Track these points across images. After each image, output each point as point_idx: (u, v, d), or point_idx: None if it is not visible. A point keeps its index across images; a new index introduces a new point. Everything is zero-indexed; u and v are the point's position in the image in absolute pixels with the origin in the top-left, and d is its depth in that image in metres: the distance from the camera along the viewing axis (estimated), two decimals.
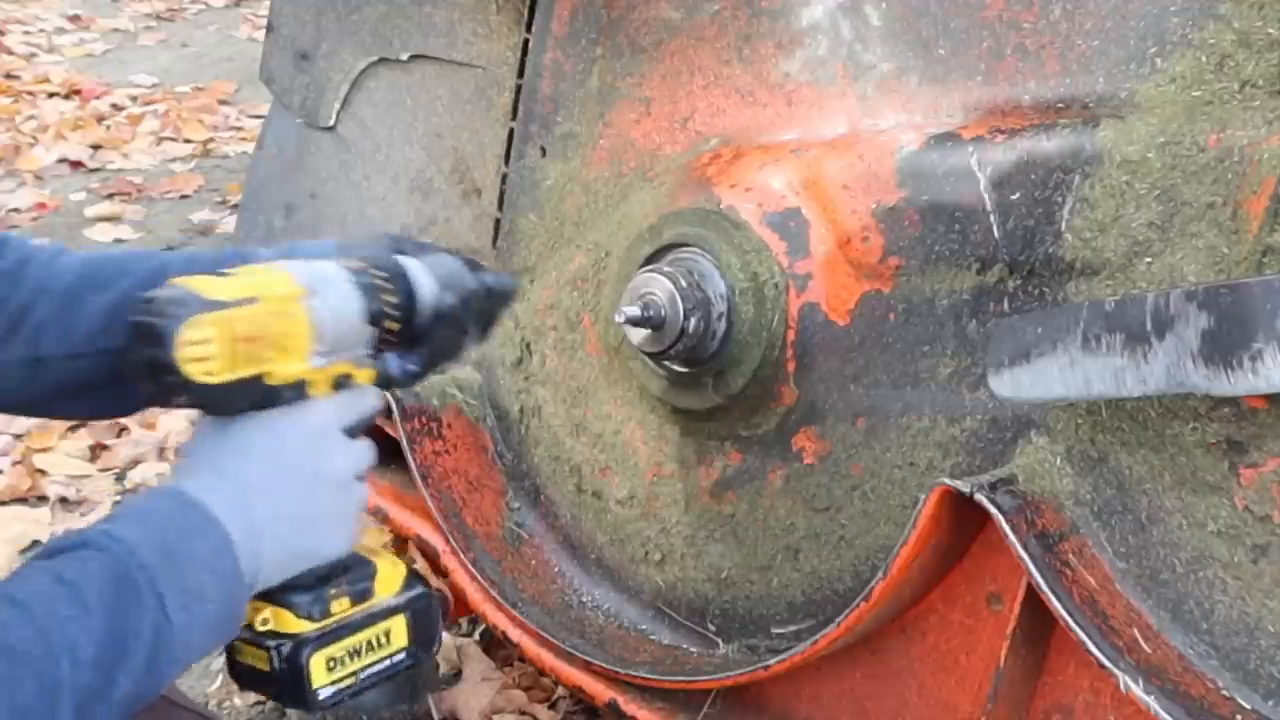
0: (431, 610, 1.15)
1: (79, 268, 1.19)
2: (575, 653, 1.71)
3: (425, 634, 1.14)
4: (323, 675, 1.06)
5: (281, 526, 1.03)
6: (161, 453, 2.73)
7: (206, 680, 2.11)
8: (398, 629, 1.12)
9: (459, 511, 1.85)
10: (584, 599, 1.84)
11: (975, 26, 1.47)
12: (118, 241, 3.72)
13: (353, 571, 1.10)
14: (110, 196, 4.02)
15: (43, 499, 2.57)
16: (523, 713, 1.96)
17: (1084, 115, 1.38)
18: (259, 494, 1.02)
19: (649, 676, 1.64)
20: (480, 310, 1.21)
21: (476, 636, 2.11)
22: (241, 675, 1.08)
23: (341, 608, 1.08)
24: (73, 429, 2.76)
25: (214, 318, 0.98)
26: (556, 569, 1.87)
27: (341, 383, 1.10)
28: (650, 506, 1.75)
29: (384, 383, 1.16)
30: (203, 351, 0.97)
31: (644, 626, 1.78)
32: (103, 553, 0.92)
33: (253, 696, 2.02)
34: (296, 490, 1.05)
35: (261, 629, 1.05)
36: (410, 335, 1.15)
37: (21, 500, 2.58)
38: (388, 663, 1.12)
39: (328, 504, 1.08)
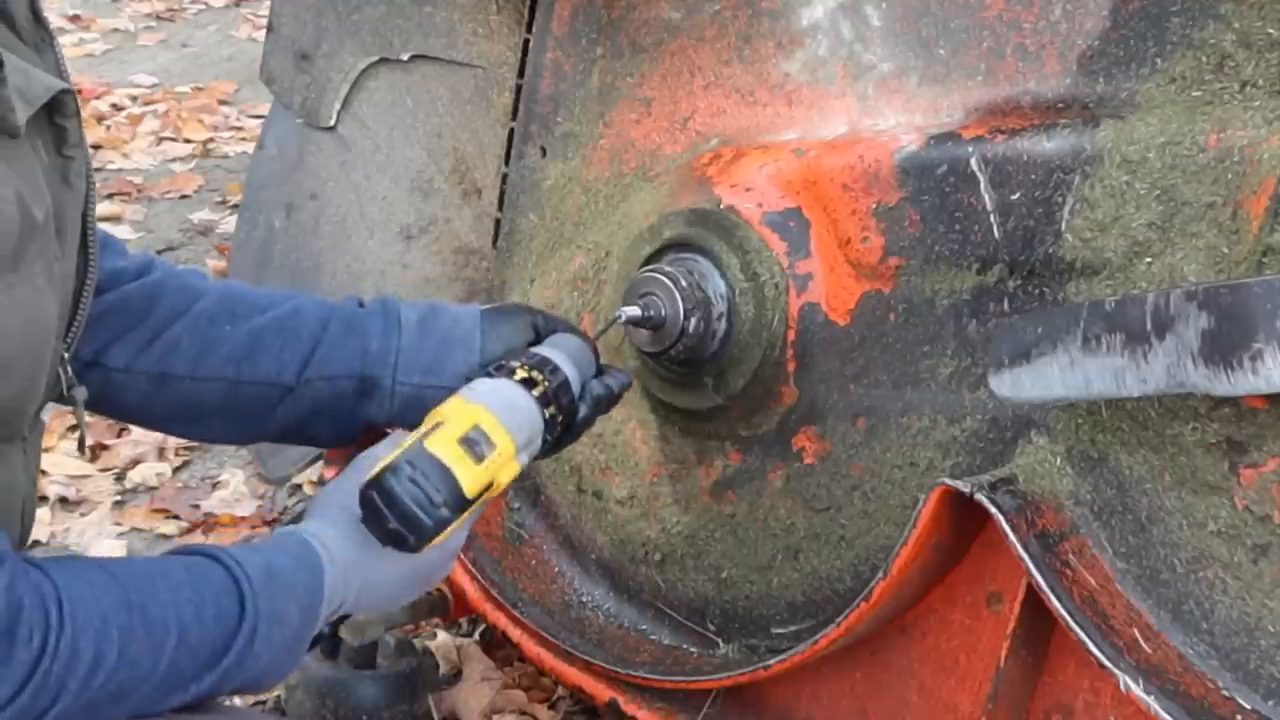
0: None
1: (217, 297, 1.28)
2: (575, 653, 1.71)
3: None
4: None
5: (375, 590, 1.16)
6: (161, 453, 2.71)
7: None
8: None
9: None
10: (584, 599, 1.84)
11: (975, 26, 1.47)
12: None
13: None
14: (110, 196, 4.00)
15: (43, 499, 2.55)
16: (523, 713, 1.95)
17: (1084, 115, 1.38)
18: (375, 562, 1.14)
19: (649, 676, 1.64)
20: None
21: (476, 636, 2.10)
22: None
23: None
24: (72, 429, 2.75)
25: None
26: (556, 569, 1.87)
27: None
28: (650, 506, 1.75)
29: None
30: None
31: (644, 626, 1.78)
32: (218, 561, 1.04)
33: (251, 697, 2.02)
34: (403, 573, 1.18)
35: None
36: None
37: None
38: None
39: (420, 585, 1.23)
